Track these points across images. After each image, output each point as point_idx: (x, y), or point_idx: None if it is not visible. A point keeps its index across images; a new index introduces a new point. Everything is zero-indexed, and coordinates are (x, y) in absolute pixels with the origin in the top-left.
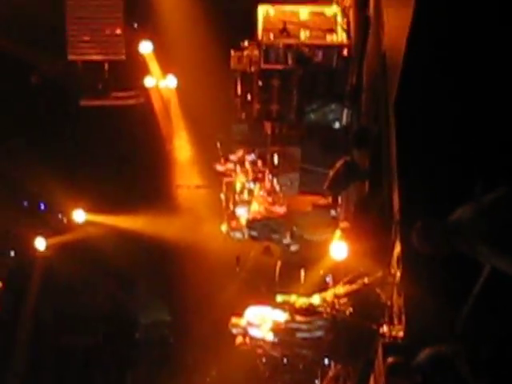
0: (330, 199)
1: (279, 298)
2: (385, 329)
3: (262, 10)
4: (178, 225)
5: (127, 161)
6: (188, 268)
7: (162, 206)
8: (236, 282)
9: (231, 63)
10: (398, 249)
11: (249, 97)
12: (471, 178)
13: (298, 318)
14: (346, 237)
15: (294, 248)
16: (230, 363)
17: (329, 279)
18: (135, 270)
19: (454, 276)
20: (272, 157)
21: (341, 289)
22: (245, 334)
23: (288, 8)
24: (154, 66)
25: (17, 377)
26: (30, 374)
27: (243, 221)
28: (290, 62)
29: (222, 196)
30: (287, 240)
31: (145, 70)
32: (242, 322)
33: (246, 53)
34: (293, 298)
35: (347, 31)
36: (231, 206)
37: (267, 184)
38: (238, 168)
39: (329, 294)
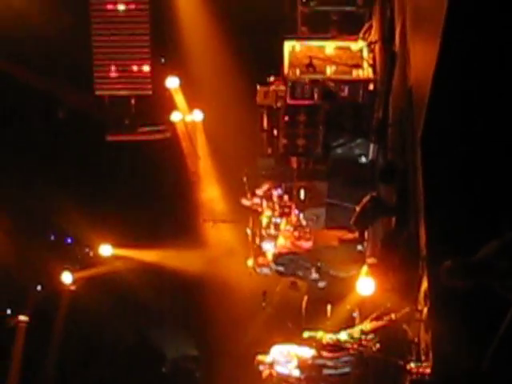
0: (356, 234)
1: (306, 334)
2: (412, 365)
3: (288, 46)
4: (205, 259)
5: (154, 195)
6: (214, 303)
7: (188, 241)
8: (262, 317)
9: (257, 98)
10: (425, 285)
11: (275, 132)
12: (497, 214)
13: (325, 354)
14: (373, 272)
15: (321, 284)
16: None
17: (356, 315)
18: (161, 304)
19: (482, 312)
20: (298, 191)
21: (368, 325)
22: (271, 369)
23: (314, 43)
24: (180, 100)
25: None
26: None
27: (270, 256)
28: (316, 97)
29: (249, 231)
30: (313, 275)
31: (171, 105)
32: (268, 359)
33: (272, 88)
34: (319, 334)
35: (373, 66)
36: (257, 241)
37: (293, 219)
38: (265, 202)
39: (356, 330)
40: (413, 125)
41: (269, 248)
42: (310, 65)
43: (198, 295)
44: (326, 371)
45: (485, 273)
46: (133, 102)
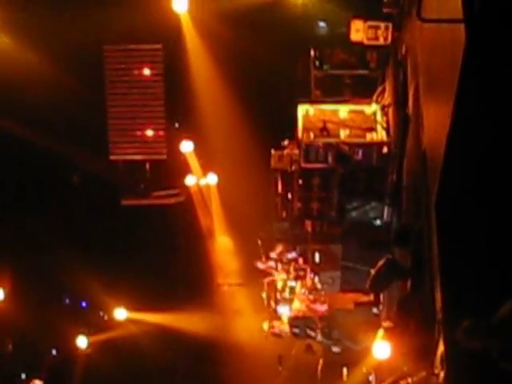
0: (371, 297)
1: None
2: None
3: (302, 109)
4: (219, 323)
5: (168, 258)
6: (230, 366)
7: (202, 304)
8: (279, 381)
9: (272, 162)
10: (441, 348)
11: (289, 195)
12: None
13: None
14: (389, 336)
15: (335, 349)
16: None
17: (372, 378)
18: (176, 368)
19: (499, 377)
20: (313, 254)
21: None
22: None
23: (327, 107)
24: (194, 164)
25: None
26: None
27: (285, 319)
28: (330, 160)
29: (264, 294)
30: (320, 338)
31: (186, 169)
32: None
33: (286, 152)
34: None
35: (387, 129)
36: (273, 304)
37: (308, 282)
38: (279, 266)
39: None
40: (427, 188)
41: (284, 311)
42: (324, 128)
43: (213, 359)
44: None
45: (502, 333)
46: (147, 166)
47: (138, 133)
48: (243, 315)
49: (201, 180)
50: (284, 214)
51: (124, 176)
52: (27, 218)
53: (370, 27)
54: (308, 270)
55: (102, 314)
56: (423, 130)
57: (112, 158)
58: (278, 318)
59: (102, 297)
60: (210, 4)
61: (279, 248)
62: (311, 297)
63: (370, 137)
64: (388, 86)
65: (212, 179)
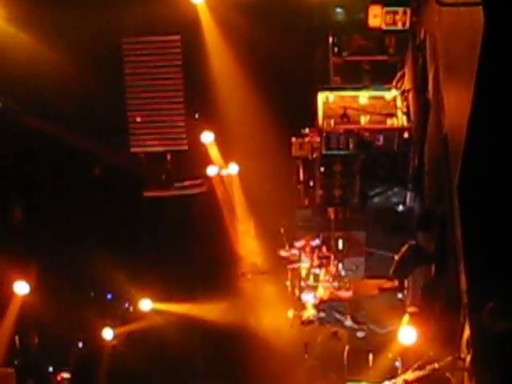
0: (396, 282)
1: None
2: None
3: (322, 97)
4: (245, 312)
5: (192, 249)
6: (256, 355)
7: (228, 294)
8: (305, 369)
9: (293, 150)
10: (467, 332)
11: (311, 183)
12: None
13: None
14: (414, 321)
15: (360, 334)
16: None
17: (398, 364)
18: (202, 357)
19: None
20: (336, 241)
21: (411, 374)
22: None
23: (347, 93)
24: (215, 154)
25: None
26: None
27: (310, 306)
28: (351, 147)
29: (288, 282)
30: (348, 323)
31: (207, 159)
32: None
33: (307, 139)
34: None
35: (407, 114)
36: (297, 292)
37: (332, 269)
38: (303, 254)
39: (399, 380)
40: (449, 172)
41: (308, 299)
42: (344, 115)
43: (239, 348)
44: None
45: None
46: (169, 157)
47: (159, 125)
48: (268, 304)
49: (222, 170)
50: (306, 202)
51: (146, 168)
52: (51, 211)
53: (388, 12)
54: (332, 257)
55: (127, 305)
56: (444, 114)
57: (133, 150)
58: (303, 306)
59: (126, 288)
60: None
61: (303, 240)
62: (335, 284)
63: (391, 122)
64: (407, 71)
65: (233, 169)
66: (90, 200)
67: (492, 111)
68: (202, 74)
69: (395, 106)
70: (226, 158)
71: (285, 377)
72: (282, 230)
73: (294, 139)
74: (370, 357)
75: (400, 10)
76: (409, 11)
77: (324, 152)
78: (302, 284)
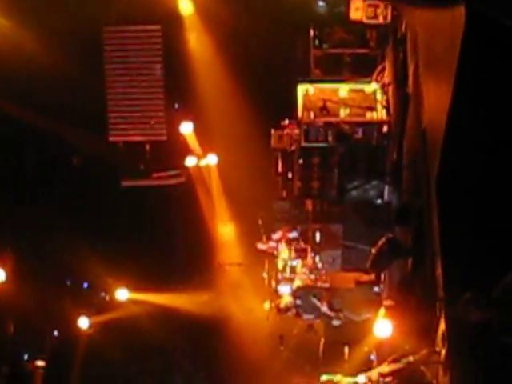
0: (372, 276)
1: (324, 378)
2: None
3: (302, 89)
4: (221, 303)
5: (169, 239)
6: (231, 346)
7: (204, 285)
8: (280, 361)
9: (272, 142)
10: (442, 326)
11: (290, 175)
12: None
13: None
14: (390, 314)
15: (335, 323)
16: None
17: (373, 357)
18: (178, 348)
19: (500, 354)
20: (314, 234)
21: (386, 367)
22: None
23: (327, 86)
24: (194, 145)
25: None
26: None
27: (286, 298)
28: (330, 139)
29: (265, 274)
30: (325, 309)
31: (186, 150)
32: None
33: (286, 131)
34: (337, 378)
35: (387, 108)
36: (274, 284)
37: (309, 261)
38: (280, 246)
39: (374, 373)
40: (427, 166)
41: (285, 291)
42: (324, 107)
43: (214, 339)
44: None
45: (503, 304)
46: (147, 147)
47: (138, 114)
48: (244, 295)
49: (201, 160)
50: (284, 194)
51: (124, 157)
52: (28, 199)
53: (370, 6)
54: (309, 249)
55: (103, 294)
56: (423, 108)
57: (111, 139)
58: (279, 298)
59: (103, 278)
60: None
61: (280, 232)
62: (312, 276)
63: (370, 116)
64: (388, 64)
65: (212, 160)
66: (68, 189)
67: (471, 107)
68: (182, 64)
69: (375, 100)
70: (205, 149)
71: (261, 368)
72: (259, 222)
73: (273, 131)
74: (346, 350)
75: (381, 3)
76: (390, 5)
77: (303, 144)
78: (279, 276)
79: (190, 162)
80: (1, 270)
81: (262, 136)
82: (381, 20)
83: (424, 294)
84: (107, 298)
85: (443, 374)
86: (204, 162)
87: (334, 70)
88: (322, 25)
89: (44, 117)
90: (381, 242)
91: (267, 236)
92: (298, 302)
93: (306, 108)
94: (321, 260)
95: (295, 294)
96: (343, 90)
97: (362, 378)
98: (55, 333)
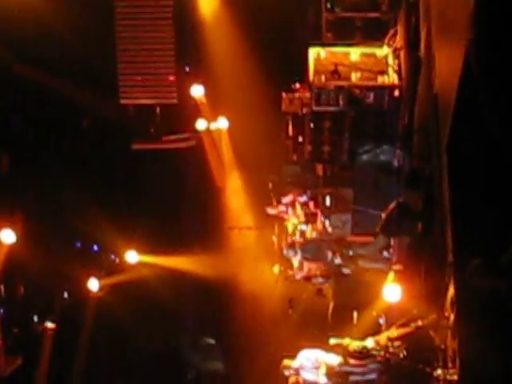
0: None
1: (332, 341)
2: (439, 372)
3: (313, 52)
4: (230, 266)
5: (179, 202)
6: (240, 309)
7: (214, 248)
8: (288, 324)
9: (282, 105)
10: (451, 291)
11: (300, 139)
12: None
13: (352, 361)
14: (400, 279)
15: (346, 271)
16: None
17: (382, 322)
18: (187, 311)
19: (509, 318)
20: (324, 198)
21: (394, 332)
22: (297, 375)
23: (339, 49)
24: (205, 108)
25: None
26: None
27: (295, 263)
28: (341, 103)
29: (274, 238)
30: (338, 260)
31: (196, 113)
32: (295, 364)
33: (297, 95)
34: (346, 341)
35: (398, 72)
36: (283, 248)
37: (319, 225)
38: (290, 210)
39: (382, 337)
40: (438, 131)
41: (294, 255)
42: (335, 71)
43: (223, 302)
44: (352, 378)
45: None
46: (158, 110)
47: (149, 77)
48: (253, 259)
49: (211, 124)
50: (295, 158)
51: (134, 120)
52: (38, 162)
53: None
54: (319, 213)
55: (113, 257)
56: (435, 73)
57: (122, 102)
58: (288, 262)
59: (113, 240)
60: None
61: (290, 195)
62: None
63: (382, 80)
64: (400, 28)
65: (223, 123)
66: (78, 151)
67: (483, 71)
68: (193, 27)
69: (386, 64)
70: (216, 112)
71: (269, 332)
72: (269, 186)
73: (284, 94)
74: (355, 314)
75: None
76: None
77: (314, 108)
78: (288, 240)
79: (201, 125)
80: (11, 232)
81: (272, 99)
82: None
83: (433, 258)
84: (117, 260)
85: (452, 339)
86: (214, 125)
87: (345, 34)
88: None
89: (55, 78)
90: (391, 207)
91: (277, 200)
92: (307, 255)
93: (317, 72)
94: (331, 224)
95: (303, 247)
96: (355, 53)
97: (370, 341)
98: (65, 295)
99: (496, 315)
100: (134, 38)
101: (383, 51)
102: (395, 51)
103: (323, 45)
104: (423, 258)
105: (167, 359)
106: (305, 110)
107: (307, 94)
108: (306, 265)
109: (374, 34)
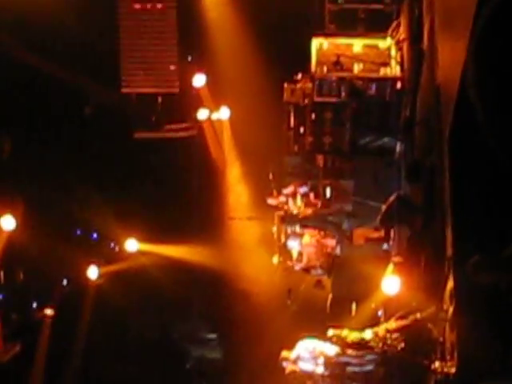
0: (382, 233)
1: (330, 332)
2: (436, 365)
3: (316, 43)
4: (230, 256)
5: (180, 191)
6: (239, 299)
7: (214, 238)
8: (287, 315)
9: (284, 96)
10: (450, 284)
11: (301, 129)
12: None
13: (349, 351)
14: (399, 271)
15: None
16: None
17: (380, 313)
18: (186, 300)
19: (507, 312)
20: (324, 189)
21: (393, 324)
22: (295, 365)
23: (342, 41)
24: (207, 98)
25: None
26: None
27: (294, 254)
28: (343, 94)
29: (274, 228)
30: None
31: (198, 103)
32: (293, 355)
33: (299, 85)
34: (344, 333)
35: (401, 64)
36: (283, 239)
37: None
38: (291, 201)
39: (381, 329)
40: (440, 123)
41: (294, 246)
42: (338, 62)
43: (223, 291)
44: (350, 369)
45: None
46: (159, 99)
47: (151, 66)
48: (253, 249)
49: (213, 114)
50: (296, 148)
51: (136, 109)
52: (39, 149)
53: None
54: (319, 204)
55: (113, 245)
56: (437, 65)
57: (124, 90)
58: (288, 253)
59: (113, 228)
60: None
61: (291, 187)
62: (322, 232)
63: (384, 72)
64: (403, 20)
65: (224, 113)
66: (79, 139)
67: (486, 63)
68: (195, 17)
69: (389, 56)
70: (218, 102)
71: (268, 322)
72: (270, 176)
73: (286, 85)
74: (353, 306)
75: None
76: None
77: (315, 99)
78: (288, 230)
79: (202, 115)
80: (11, 218)
81: (274, 90)
82: None
83: (433, 251)
84: (116, 248)
85: (450, 332)
86: (216, 115)
87: (348, 26)
88: None
89: (58, 65)
90: (391, 199)
91: (278, 191)
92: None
93: (319, 62)
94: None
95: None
96: (357, 45)
97: (368, 333)
98: (64, 282)
99: (494, 308)
100: (137, 27)
101: (386, 43)
102: (398, 43)
103: (326, 35)
104: (423, 251)
105: (166, 348)
106: (306, 101)
107: (309, 85)
108: (306, 253)
109: (377, 25)
